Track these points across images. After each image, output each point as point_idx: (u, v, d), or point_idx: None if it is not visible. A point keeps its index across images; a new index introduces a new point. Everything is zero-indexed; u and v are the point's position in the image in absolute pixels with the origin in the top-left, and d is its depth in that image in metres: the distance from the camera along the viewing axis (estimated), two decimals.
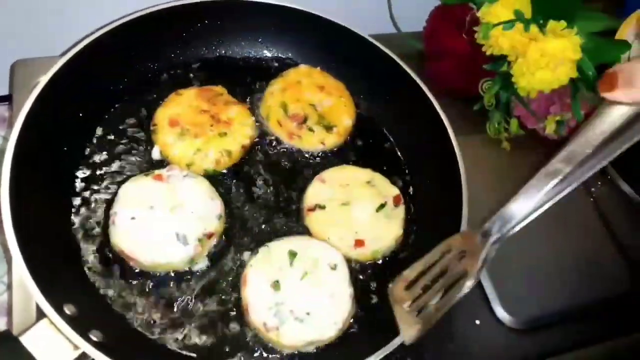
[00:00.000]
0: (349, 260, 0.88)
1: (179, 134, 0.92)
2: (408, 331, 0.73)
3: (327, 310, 0.80)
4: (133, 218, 0.82)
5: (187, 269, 0.84)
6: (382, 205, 0.92)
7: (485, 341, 0.95)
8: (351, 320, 0.84)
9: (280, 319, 0.78)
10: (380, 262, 0.91)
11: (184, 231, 0.82)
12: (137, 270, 0.82)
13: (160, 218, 0.82)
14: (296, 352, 0.80)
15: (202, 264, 0.85)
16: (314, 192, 0.93)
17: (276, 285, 0.81)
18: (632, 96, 0.61)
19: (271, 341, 0.79)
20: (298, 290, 0.81)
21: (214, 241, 0.86)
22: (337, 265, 0.84)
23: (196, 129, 0.93)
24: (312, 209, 0.91)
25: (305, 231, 0.91)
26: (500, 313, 0.96)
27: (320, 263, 0.84)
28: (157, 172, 0.87)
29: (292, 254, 0.83)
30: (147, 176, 0.87)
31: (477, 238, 0.72)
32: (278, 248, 0.85)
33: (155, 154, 0.93)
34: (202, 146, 0.92)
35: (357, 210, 0.91)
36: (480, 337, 0.95)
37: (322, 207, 0.91)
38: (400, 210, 0.94)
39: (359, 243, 0.88)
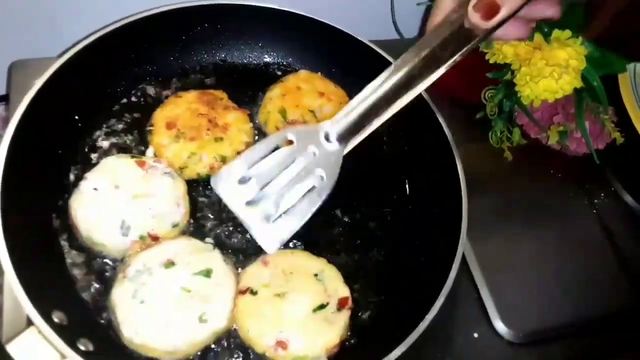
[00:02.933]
0: None
1: (174, 137, 0.91)
2: (267, 243, 0.69)
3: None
4: (95, 189, 0.82)
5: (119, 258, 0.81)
6: (322, 306, 0.79)
7: (483, 355, 0.93)
8: None
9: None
10: None
11: (130, 222, 0.80)
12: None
13: (118, 200, 0.82)
14: None
15: None
16: (252, 273, 0.82)
17: (169, 264, 0.78)
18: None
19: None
20: (168, 290, 0.76)
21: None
22: (207, 323, 0.76)
23: (192, 132, 0.92)
24: (243, 292, 0.80)
25: None
26: (499, 326, 0.94)
27: (205, 304, 0.76)
28: (143, 157, 0.88)
29: (207, 272, 0.79)
30: (132, 158, 0.87)
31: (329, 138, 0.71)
32: (210, 255, 0.81)
33: (149, 155, 0.92)
34: (197, 150, 0.91)
35: (290, 305, 0.79)
36: (478, 351, 0.93)
37: (254, 293, 0.80)
38: (344, 316, 0.80)
39: (281, 344, 0.76)
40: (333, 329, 0.78)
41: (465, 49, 0.69)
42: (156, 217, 0.82)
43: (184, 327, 0.75)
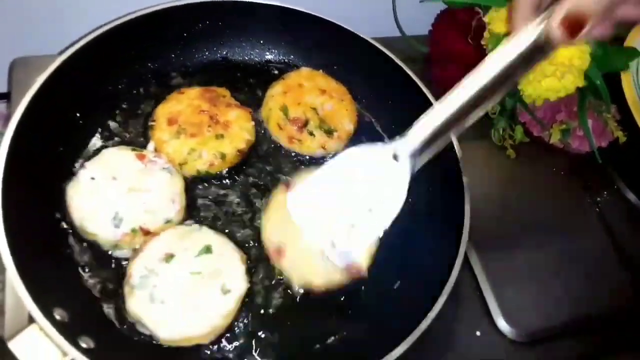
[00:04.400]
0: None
1: (175, 132, 0.91)
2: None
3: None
4: (93, 178, 0.82)
5: (109, 252, 0.82)
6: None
7: (486, 353, 0.93)
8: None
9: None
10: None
11: (123, 214, 0.80)
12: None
13: (114, 191, 0.82)
14: None
15: (125, 252, 0.82)
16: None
17: (169, 258, 0.78)
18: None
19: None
20: (181, 280, 0.77)
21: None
22: (231, 292, 0.78)
23: (193, 129, 0.92)
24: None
25: None
26: (502, 324, 0.94)
27: (220, 277, 0.79)
28: (144, 151, 0.88)
29: (207, 249, 0.80)
30: (133, 150, 0.87)
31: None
32: (201, 233, 0.82)
33: (150, 150, 0.92)
34: (197, 146, 0.90)
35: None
36: (481, 349, 0.93)
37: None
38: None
39: (280, 251, 0.83)
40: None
41: (539, 61, 0.66)
42: (150, 211, 0.82)
43: (213, 305, 0.76)
